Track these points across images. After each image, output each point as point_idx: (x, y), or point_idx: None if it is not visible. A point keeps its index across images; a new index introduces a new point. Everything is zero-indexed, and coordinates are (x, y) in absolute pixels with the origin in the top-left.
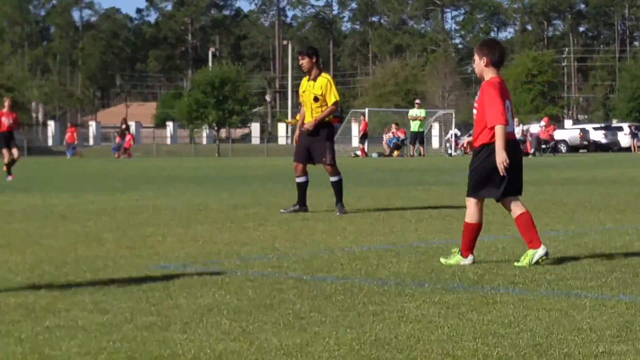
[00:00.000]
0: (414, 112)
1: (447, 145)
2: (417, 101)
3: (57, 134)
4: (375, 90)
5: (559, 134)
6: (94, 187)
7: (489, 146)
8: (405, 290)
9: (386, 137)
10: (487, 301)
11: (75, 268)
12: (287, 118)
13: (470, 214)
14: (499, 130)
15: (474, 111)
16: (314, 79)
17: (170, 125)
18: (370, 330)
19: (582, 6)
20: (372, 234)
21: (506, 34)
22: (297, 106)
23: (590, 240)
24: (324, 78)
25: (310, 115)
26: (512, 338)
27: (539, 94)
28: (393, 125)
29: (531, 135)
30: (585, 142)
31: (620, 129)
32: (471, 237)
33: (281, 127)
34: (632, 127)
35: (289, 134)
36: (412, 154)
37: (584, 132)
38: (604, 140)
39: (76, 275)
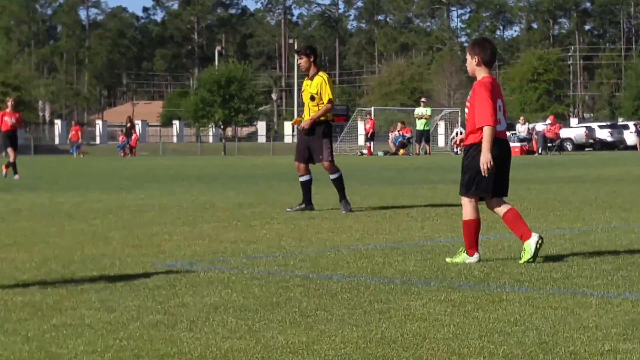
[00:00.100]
0: (419, 110)
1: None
2: (423, 99)
3: (64, 133)
4: (381, 89)
5: (564, 132)
6: (100, 186)
7: (480, 145)
8: (411, 289)
9: (392, 135)
10: (493, 299)
11: (82, 266)
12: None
13: (467, 212)
14: (486, 131)
15: (466, 110)
16: (311, 78)
17: (176, 123)
18: (376, 329)
19: (588, 4)
20: (378, 232)
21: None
22: (302, 105)
23: (596, 238)
24: (320, 77)
25: (307, 114)
26: (518, 336)
27: (544, 93)
28: (399, 124)
29: (537, 133)
30: (591, 141)
31: (626, 127)
32: (472, 235)
33: (287, 126)
34: (638, 126)
35: (295, 133)
36: (418, 152)
37: (590, 130)
38: (609, 139)
39: (83, 273)
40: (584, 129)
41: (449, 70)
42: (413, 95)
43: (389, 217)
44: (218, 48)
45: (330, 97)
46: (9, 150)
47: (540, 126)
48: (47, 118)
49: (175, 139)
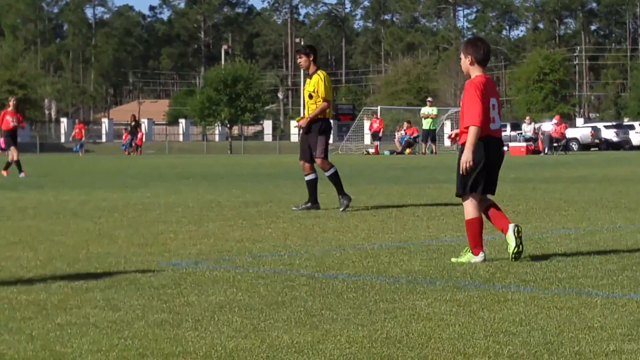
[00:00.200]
0: (426, 110)
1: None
2: (429, 99)
3: (70, 131)
4: (388, 88)
5: (570, 132)
6: (105, 184)
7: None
8: (417, 288)
9: (398, 134)
10: (498, 299)
11: (87, 265)
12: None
13: (468, 211)
14: (472, 131)
15: (459, 109)
16: (310, 77)
17: (182, 122)
18: (381, 328)
19: (594, 5)
20: (384, 231)
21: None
22: None
23: (602, 238)
24: (317, 75)
25: (307, 112)
26: (523, 336)
27: (550, 92)
28: (405, 123)
29: (543, 133)
30: (597, 141)
31: (632, 127)
32: (475, 233)
33: (293, 125)
34: None
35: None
36: (424, 151)
37: (596, 130)
38: (615, 139)
39: (88, 272)
40: (590, 129)
41: (455, 69)
42: (419, 94)
43: (394, 216)
44: (224, 47)
45: (326, 95)
46: (12, 149)
47: (546, 126)
48: (53, 116)
49: (181, 138)
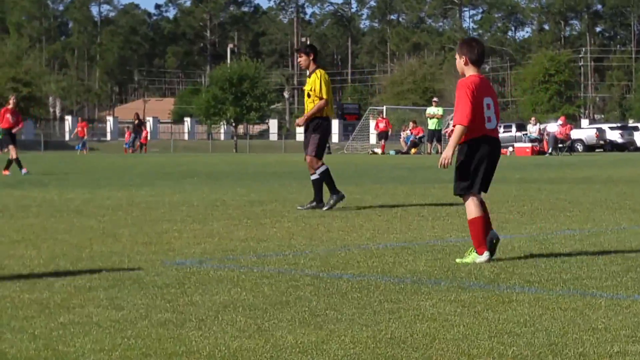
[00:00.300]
0: (431, 110)
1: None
2: (435, 99)
3: (74, 129)
4: (393, 88)
5: (575, 134)
6: (110, 183)
7: (464, 144)
8: (422, 289)
9: (404, 134)
10: (502, 300)
11: (91, 264)
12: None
13: (470, 210)
14: (457, 130)
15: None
16: (309, 76)
17: (187, 121)
18: (386, 329)
19: (599, 6)
20: (389, 231)
21: (523, 33)
22: None
23: (606, 239)
24: (314, 74)
25: (306, 111)
26: (527, 337)
27: (555, 94)
28: (411, 123)
29: (548, 134)
30: (602, 142)
31: (637, 128)
32: (478, 232)
33: None
34: None
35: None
36: (429, 151)
37: (601, 131)
38: (620, 140)
39: (91, 271)
40: (595, 130)
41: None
42: (425, 94)
43: (399, 216)
44: (230, 46)
45: (322, 93)
46: (11, 147)
47: (551, 127)
48: (58, 114)
49: (186, 136)
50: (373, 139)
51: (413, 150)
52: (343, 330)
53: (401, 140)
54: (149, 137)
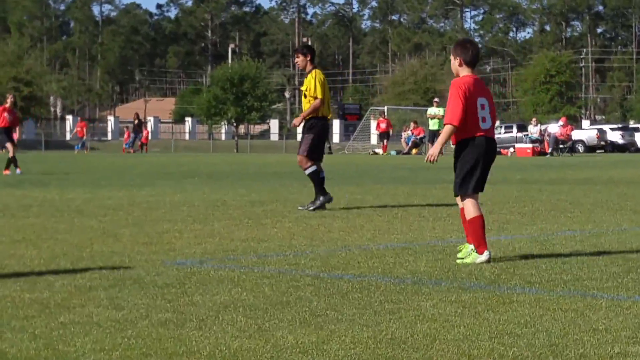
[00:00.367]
0: (432, 110)
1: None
2: (436, 99)
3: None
4: (395, 89)
5: (576, 134)
6: (110, 182)
7: (459, 144)
8: (422, 289)
9: (405, 135)
10: (503, 301)
11: (91, 264)
12: None
13: (469, 210)
14: (446, 129)
15: None
16: (306, 76)
17: (188, 120)
18: (386, 329)
19: (601, 7)
20: (390, 231)
21: (525, 34)
22: None
23: (607, 240)
24: (310, 75)
25: (303, 111)
26: (528, 338)
27: (556, 94)
28: (412, 124)
29: (549, 135)
30: (603, 143)
31: (637, 129)
32: (478, 232)
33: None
34: None
35: None
36: None
37: (601, 132)
38: (621, 141)
39: (92, 271)
40: (596, 131)
41: None
42: (426, 95)
43: (400, 217)
44: (231, 46)
45: (317, 93)
46: (8, 145)
47: (552, 128)
48: (59, 114)
49: (187, 136)
50: (374, 139)
51: (414, 151)
52: (343, 331)
53: (402, 140)
54: (149, 137)
